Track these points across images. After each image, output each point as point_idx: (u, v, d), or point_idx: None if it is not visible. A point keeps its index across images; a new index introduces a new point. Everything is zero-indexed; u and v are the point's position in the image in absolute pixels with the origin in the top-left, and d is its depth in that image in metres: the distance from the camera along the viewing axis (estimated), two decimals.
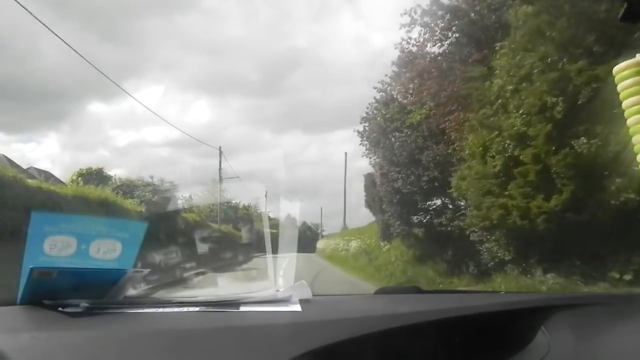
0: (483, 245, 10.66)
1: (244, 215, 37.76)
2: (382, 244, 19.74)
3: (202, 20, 69.44)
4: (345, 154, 39.34)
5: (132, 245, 1.37)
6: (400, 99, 15.69)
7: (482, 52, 11.46)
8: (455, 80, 12.01)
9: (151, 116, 60.89)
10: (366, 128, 17.80)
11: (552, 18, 8.65)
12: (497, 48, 10.13)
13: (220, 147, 32.09)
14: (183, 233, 18.37)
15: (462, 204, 12.51)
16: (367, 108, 17.56)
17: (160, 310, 1.22)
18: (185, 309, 1.22)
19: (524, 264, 9.45)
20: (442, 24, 12.99)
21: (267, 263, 1.52)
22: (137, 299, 1.38)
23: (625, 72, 1.04)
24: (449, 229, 12.82)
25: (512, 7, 10.11)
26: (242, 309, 1.22)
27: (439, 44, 13.35)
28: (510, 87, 9.41)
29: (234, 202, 37.60)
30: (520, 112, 8.93)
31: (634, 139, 1.01)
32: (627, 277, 7.78)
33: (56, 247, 1.27)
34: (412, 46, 13.77)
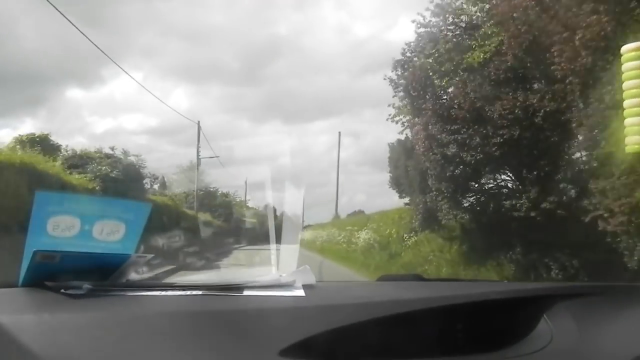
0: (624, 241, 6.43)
1: (223, 203, 34.93)
2: (405, 235, 16.07)
3: (182, 7, 68.40)
4: (339, 133, 36.69)
5: (135, 226, 1.36)
6: (454, 32, 11.12)
7: None
8: None
9: (129, 103, 60.10)
10: (402, 74, 12.56)
11: None
12: None
13: (199, 122, 28.84)
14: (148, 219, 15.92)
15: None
16: (404, 49, 12.64)
17: (163, 293, 1.22)
18: (189, 292, 1.21)
19: None
20: None
21: (270, 251, 1.49)
22: (140, 282, 1.37)
23: (632, 54, 0.98)
24: (532, 214, 8.55)
25: None
26: (246, 293, 1.21)
27: None
28: None
29: (212, 187, 34.55)
30: None
31: (626, 122, 0.96)
32: None
33: (59, 228, 1.27)
34: None
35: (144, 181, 21.48)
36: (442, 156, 10.04)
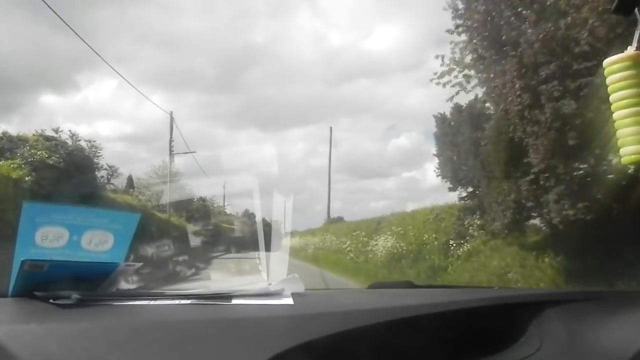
0: None
1: (199, 207, 32.17)
2: (452, 243, 12.43)
3: (158, 14, 67.85)
4: (330, 128, 34.05)
5: (124, 237, 1.37)
6: None
7: None
8: None
9: (104, 110, 59.47)
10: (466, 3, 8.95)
11: None
12: None
13: (171, 112, 26.12)
14: None
15: None
16: None
17: (152, 302, 1.22)
18: (177, 301, 1.22)
19: None
20: None
21: (260, 258, 1.50)
22: (129, 291, 1.37)
23: (615, 66, 1.04)
24: None
25: None
26: (234, 301, 1.22)
27: None
28: None
29: (188, 188, 30.89)
30: None
31: (619, 133, 1.02)
32: None
33: (48, 238, 1.27)
34: None
35: (98, 173, 17.91)
36: (553, 114, 6.40)
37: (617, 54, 1.05)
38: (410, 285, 1.81)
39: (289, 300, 1.22)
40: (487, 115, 9.95)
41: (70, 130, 16.34)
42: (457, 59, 10.40)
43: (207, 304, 1.21)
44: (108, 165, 20.23)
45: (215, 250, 23.62)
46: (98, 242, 1.32)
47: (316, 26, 79.63)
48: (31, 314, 1.14)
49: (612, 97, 1.05)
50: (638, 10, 1.03)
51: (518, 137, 7.37)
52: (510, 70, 7.31)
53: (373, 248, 16.44)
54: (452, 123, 12.40)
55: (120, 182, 24.41)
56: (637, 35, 1.01)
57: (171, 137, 25.72)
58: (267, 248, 1.53)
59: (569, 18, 6.50)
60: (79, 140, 16.29)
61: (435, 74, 10.76)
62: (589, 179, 6.75)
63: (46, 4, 12.24)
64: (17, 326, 1.03)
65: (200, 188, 32.27)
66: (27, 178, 11.43)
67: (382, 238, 16.13)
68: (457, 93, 10.87)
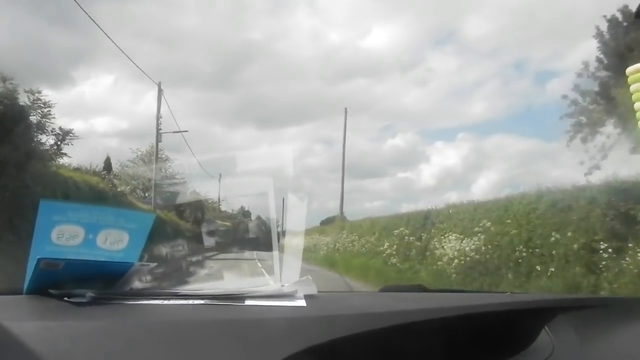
0: None
1: (192, 201, 27.56)
2: (603, 246, 7.54)
3: (156, 9, 67.48)
4: (345, 109, 31.13)
5: (139, 236, 1.37)
6: None
7: None
8: None
9: (100, 105, 58.81)
10: None
11: None
12: None
13: (159, 83, 23.11)
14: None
15: None
16: None
17: (165, 302, 1.23)
18: (190, 301, 1.22)
19: None
20: None
21: (274, 258, 1.49)
22: (143, 290, 1.38)
23: (639, 75, 1.05)
24: None
25: None
26: (247, 302, 1.22)
27: None
28: None
29: (178, 177, 26.70)
30: None
31: None
32: None
33: (64, 237, 1.28)
34: None
35: (41, 136, 13.18)
36: None
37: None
38: (422, 289, 1.81)
39: (302, 302, 1.22)
40: None
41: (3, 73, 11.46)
42: None
43: (220, 305, 1.21)
44: (60, 129, 14.16)
45: (207, 249, 22.12)
46: (113, 241, 1.33)
47: (314, 24, 79.50)
48: (46, 311, 1.15)
49: (636, 105, 1.04)
50: None
51: None
52: None
53: (439, 251, 11.45)
54: None
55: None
56: None
57: (159, 113, 22.86)
58: (268, 248, 1.52)
59: None
60: (9, 80, 11.30)
61: None
62: None
63: None
64: (33, 323, 1.04)
65: (201, 187, 29.09)
66: None
67: (453, 237, 11.14)
68: None
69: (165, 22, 65.53)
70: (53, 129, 13.77)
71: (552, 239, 8.71)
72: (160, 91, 22.88)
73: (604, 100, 9.99)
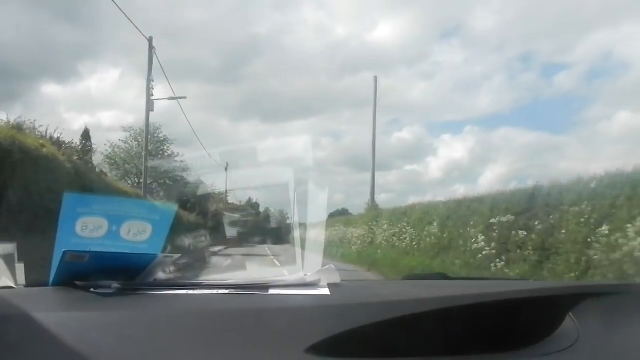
0: None
1: (193, 190, 25.15)
2: None
3: (162, 4, 68.04)
4: (375, 78, 28.43)
5: (162, 227, 1.38)
6: None
7: None
8: None
9: (106, 99, 60.46)
10: None
11: None
12: None
13: (150, 38, 20.69)
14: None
15: None
16: None
17: (190, 292, 1.24)
18: (215, 291, 1.23)
19: None
20: None
21: (295, 250, 1.49)
22: (167, 281, 1.39)
23: None
24: None
25: None
26: (271, 292, 1.23)
27: None
28: None
29: (178, 159, 25.12)
30: None
31: None
32: None
33: (88, 229, 1.29)
34: None
35: None
36: None
37: None
38: (445, 277, 1.80)
39: (326, 291, 1.22)
40: None
41: None
42: None
43: (245, 294, 1.22)
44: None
45: (213, 244, 20.77)
46: (136, 233, 1.34)
47: (320, 18, 79.42)
48: (74, 302, 1.17)
49: None
50: None
51: None
52: None
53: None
54: None
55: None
56: None
57: (150, 69, 20.36)
58: (278, 241, 1.52)
59: None
60: None
61: None
62: None
63: None
64: (61, 313, 1.06)
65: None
66: None
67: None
68: None
69: (171, 17, 65.94)
70: None
71: None
72: (151, 48, 20.46)
73: None
